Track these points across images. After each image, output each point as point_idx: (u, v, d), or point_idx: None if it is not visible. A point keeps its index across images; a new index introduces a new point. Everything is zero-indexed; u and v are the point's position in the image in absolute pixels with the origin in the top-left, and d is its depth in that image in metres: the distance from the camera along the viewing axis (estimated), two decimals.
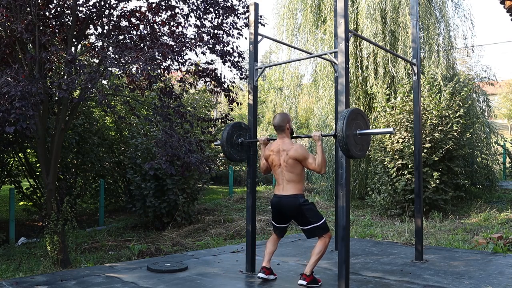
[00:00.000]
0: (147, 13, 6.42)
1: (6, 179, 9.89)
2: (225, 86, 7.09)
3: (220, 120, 7.40)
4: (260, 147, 4.48)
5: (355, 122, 3.51)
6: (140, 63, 5.11)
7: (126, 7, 6.47)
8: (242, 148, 4.49)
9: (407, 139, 8.86)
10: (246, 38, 6.85)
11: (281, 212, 3.97)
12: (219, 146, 15.82)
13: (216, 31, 6.78)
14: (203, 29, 6.66)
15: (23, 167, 9.90)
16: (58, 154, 6.25)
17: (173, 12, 6.51)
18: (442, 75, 9.87)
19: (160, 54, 5.64)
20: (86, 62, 6.56)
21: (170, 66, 6.54)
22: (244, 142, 4.46)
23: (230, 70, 7.03)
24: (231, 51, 6.86)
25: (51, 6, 6.07)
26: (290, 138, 4.05)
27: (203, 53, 6.81)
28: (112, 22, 6.30)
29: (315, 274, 3.94)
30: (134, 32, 6.36)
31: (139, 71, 5.12)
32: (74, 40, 6.22)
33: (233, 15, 6.89)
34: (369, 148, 10.00)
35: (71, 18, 6.05)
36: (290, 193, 3.88)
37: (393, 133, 3.35)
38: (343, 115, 3.45)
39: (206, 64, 6.95)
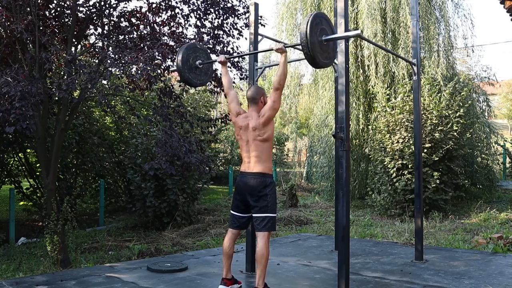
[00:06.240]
0: (147, 13, 6.42)
1: (6, 179, 9.90)
2: None
3: (220, 120, 7.40)
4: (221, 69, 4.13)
5: (320, 28, 3.15)
6: (140, 64, 5.11)
7: (126, 7, 6.48)
8: (201, 70, 4.19)
9: (407, 139, 8.85)
10: (246, 39, 6.85)
11: (245, 193, 3.57)
12: (219, 146, 15.96)
13: (216, 32, 6.79)
14: (204, 30, 6.67)
15: (23, 167, 9.90)
16: (58, 154, 6.25)
17: (173, 13, 6.51)
18: (442, 75, 9.87)
19: (160, 55, 5.65)
20: (86, 62, 6.56)
21: (170, 66, 6.54)
22: (204, 64, 4.15)
23: (230, 70, 7.02)
24: (231, 52, 6.86)
25: (51, 6, 6.07)
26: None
27: None
28: (112, 22, 6.30)
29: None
30: (134, 32, 6.35)
31: (139, 72, 5.12)
32: (74, 40, 6.22)
33: (233, 15, 6.89)
34: (369, 148, 10.03)
35: (71, 18, 6.05)
36: (257, 170, 3.54)
37: (360, 35, 3.21)
38: (306, 19, 3.08)
39: None
